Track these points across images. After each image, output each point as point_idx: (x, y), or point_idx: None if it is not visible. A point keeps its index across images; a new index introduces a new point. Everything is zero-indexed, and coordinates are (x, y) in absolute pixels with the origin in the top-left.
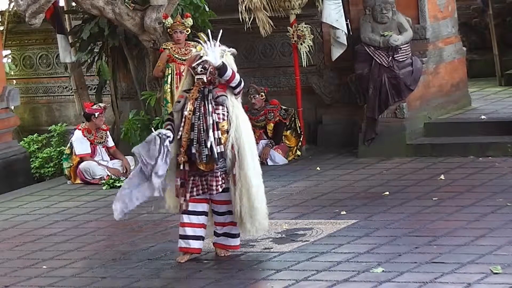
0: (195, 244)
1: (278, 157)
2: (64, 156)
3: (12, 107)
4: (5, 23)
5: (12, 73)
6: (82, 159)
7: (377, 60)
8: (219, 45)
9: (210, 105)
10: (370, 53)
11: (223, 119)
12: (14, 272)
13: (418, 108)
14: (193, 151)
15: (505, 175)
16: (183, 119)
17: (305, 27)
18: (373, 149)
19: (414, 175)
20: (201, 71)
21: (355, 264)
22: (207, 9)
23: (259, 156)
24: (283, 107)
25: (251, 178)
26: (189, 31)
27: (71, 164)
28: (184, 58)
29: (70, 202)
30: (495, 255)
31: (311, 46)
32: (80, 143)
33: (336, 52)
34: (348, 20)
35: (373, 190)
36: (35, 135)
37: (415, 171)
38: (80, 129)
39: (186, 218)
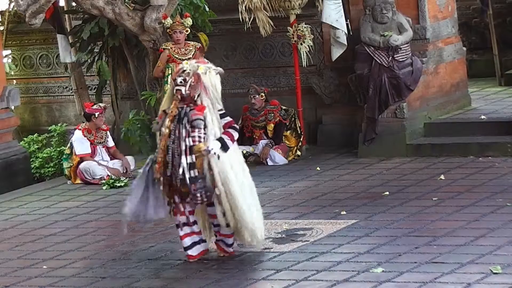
0: (200, 248)
1: (278, 157)
2: (64, 156)
3: (12, 107)
4: (5, 23)
5: (12, 73)
6: (82, 159)
7: (377, 60)
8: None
9: (184, 130)
10: (370, 53)
11: (199, 141)
12: (14, 272)
13: (418, 108)
14: (168, 174)
15: (505, 175)
16: (160, 137)
17: (305, 27)
18: (373, 149)
19: (414, 175)
20: (181, 82)
21: (355, 264)
22: (207, 9)
23: (259, 156)
24: (283, 108)
25: (236, 195)
26: (189, 31)
27: (71, 164)
28: (184, 58)
29: (70, 202)
30: (495, 255)
31: (311, 46)
32: (80, 143)
33: (336, 52)
34: (348, 20)
35: (373, 190)
36: (35, 135)
37: (415, 171)
38: (80, 129)
39: (181, 231)
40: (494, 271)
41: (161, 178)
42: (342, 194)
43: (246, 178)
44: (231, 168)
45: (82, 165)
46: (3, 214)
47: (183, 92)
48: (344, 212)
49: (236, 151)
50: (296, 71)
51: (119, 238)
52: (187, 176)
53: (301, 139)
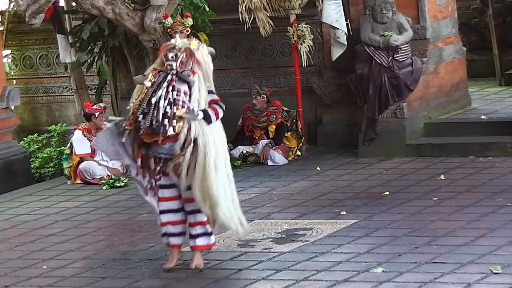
0: (173, 240)
1: (278, 157)
2: (64, 156)
3: (12, 107)
4: (5, 23)
5: (12, 73)
6: (82, 159)
7: (377, 60)
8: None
9: (171, 77)
10: (370, 53)
11: (182, 106)
12: (14, 272)
13: (418, 108)
14: (140, 118)
15: (505, 175)
16: (142, 90)
17: (305, 27)
18: (373, 149)
19: (414, 175)
20: (172, 57)
21: (355, 264)
22: (207, 9)
23: (259, 156)
24: (285, 109)
25: (210, 172)
26: (189, 31)
27: (71, 164)
28: None
29: (70, 202)
30: (495, 255)
31: (311, 46)
32: (80, 143)
33: (336, 52)
34: (348, 20)
35: (373, 190)
36: (35, 135)
37: (415, 171)
38: (80, 129)
39: (164, 218)
40: (494, 271)
41: (129, 127)
42: (342, 194)
43: (227, 166)
44: (214, 143)
45: (82, 165)
46: (3, 214)
47: (174, 67)
48: (344, 212)
49: (222, 136)
50: (296, 71)
51: (119, 238)
52: (160, 118)
53: (302, 140)
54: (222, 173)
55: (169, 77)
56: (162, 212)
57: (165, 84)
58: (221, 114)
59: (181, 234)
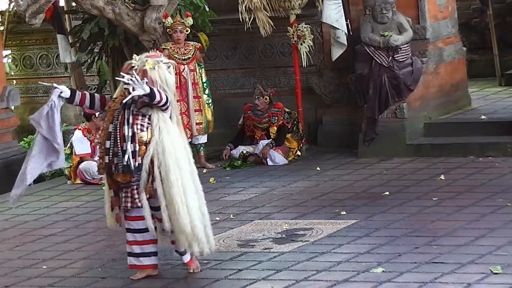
0: (146, 261)
1: (278, 157)
2: (64, 156)
3: (12, 107)
4: (5, 23)
5: (12, 73)
6: (82, 159)
7: (377, 60)
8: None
9: (130, 116)
10: (370, 53)
11: (142, 130)
12: (14, 272)
13: (418, 108)
14: (106, 160)
15: (505, 175)
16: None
17: (305, 27)
18: (373, 149)
19: (414, 175)
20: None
21: (355, 264)
22: (207, 9)
23: (259, 156)
24: (287, 110)
25: (175, 195)
26: (189, 31)
27: (71, 164)
28: (183, 57)
29: (70, 202)
30: (495, 255)
31: (311, 46)
32: (80, 143)
33: (336, 52)
34: (348, 20)
35: (373, 190)
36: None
37: (415, 171)
38: (80, 129)
39: (131, 237)
40: (494, 271)
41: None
42: (342, 194)
43: (195, 181)
44: (175, 166)
45: (82, 165)
46: (3, 214)
47: (130, 90)
48: (344, 212)
49: (178, 147)
50: (296, 71)
51: (119, 238)
52: (132, 163)
53: (302, 141)
54: (191, 193)
55: (130, 118)
56: (128, 230)
57: (127, 129)
58: (164, 99)
59: (152, 254)
